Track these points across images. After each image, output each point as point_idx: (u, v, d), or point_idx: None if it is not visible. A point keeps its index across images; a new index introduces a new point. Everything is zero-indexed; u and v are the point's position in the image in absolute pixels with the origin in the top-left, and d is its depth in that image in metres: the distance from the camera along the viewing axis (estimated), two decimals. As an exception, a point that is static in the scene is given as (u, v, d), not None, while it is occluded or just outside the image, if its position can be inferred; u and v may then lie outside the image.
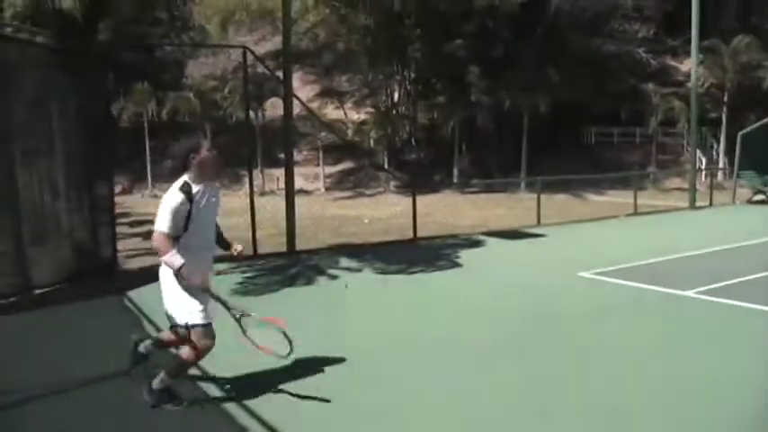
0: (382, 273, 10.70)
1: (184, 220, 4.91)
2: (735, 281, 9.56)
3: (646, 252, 12.02)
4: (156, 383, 5.10)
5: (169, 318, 5.11)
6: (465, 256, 12.26)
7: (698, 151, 31.04)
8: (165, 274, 5.02)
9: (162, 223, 4.87)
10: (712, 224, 17.57)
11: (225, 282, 9.48)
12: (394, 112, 41.48)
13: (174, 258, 4.83)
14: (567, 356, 6.33)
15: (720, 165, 35.90)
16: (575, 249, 13.24)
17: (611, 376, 5.77)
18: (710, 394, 5.33)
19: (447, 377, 5.76)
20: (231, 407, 5.15)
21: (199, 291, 4.94)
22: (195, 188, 4.96)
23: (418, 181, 28.70)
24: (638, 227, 16.93)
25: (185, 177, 5.02)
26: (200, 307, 4.97)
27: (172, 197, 4.91)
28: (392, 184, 37.75)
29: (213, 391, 5.49)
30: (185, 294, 4.97)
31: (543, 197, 17.78)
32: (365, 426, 4.90)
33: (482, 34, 34.15)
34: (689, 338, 6.96)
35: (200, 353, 5.01)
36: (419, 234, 14.35)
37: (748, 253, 12.33)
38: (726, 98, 37.66)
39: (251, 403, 5.17)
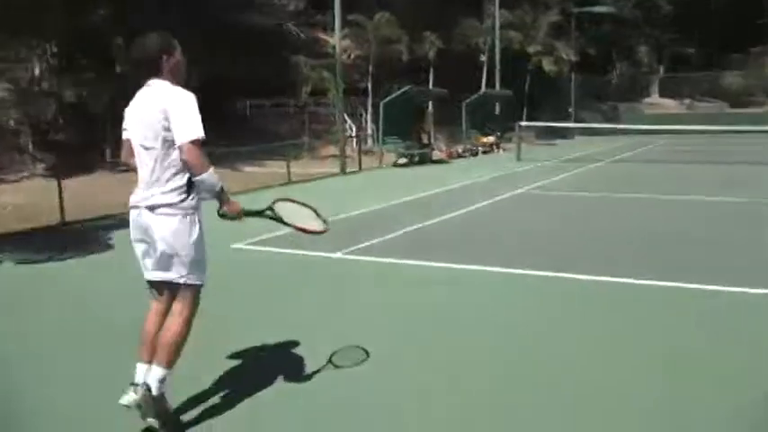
0: (31, 263, 9.71)
1: None
2: (378, 240, 10.19)
3: (297, 219, 12.24)
4: (155, 388, 3.82)
5: (170, 277, 4.08)
6: (118, 236, 11.56)
7: (348, 119, 32.69)
8: (183, 212, 4.05)
9: (197, 127, 3.74)
10: (360, 188, 18.61)
11: None
12: (36, 88, 38.29)
13: (216, 176, 3.86)
14: (235, 330, 6.23)
15: (369, 132, 38.05)
16: (226, 222, 13.10)
17: (281, 350, 5.79)
18: (394, 364, 5.50)
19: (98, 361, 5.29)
20: None
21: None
22: None
23: (69, 162, 26.88)
24: (291, 195, 17.23)
25: (165, 82, 3.90)
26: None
27: (190, 96, 3.79)
28: (40, 167, 34.97)
29: None
30: (202, 242, 4.10)
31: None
32: None
33: (127, 2, 32.62)
34: (342, 297, 7.32)
35: (190, 320, 4.05)
36: (70, 218, 13.35)
37: (391, 213, 13.24)
38: (371, 69, 39.91)
39: None
